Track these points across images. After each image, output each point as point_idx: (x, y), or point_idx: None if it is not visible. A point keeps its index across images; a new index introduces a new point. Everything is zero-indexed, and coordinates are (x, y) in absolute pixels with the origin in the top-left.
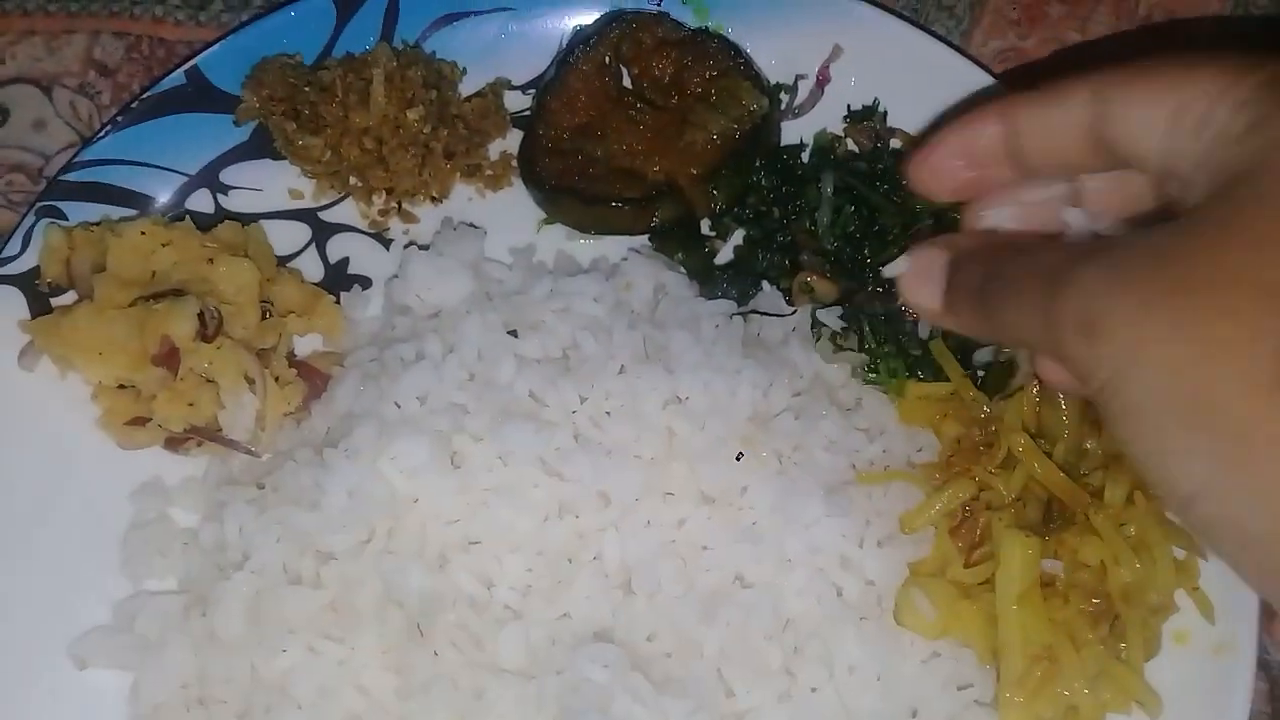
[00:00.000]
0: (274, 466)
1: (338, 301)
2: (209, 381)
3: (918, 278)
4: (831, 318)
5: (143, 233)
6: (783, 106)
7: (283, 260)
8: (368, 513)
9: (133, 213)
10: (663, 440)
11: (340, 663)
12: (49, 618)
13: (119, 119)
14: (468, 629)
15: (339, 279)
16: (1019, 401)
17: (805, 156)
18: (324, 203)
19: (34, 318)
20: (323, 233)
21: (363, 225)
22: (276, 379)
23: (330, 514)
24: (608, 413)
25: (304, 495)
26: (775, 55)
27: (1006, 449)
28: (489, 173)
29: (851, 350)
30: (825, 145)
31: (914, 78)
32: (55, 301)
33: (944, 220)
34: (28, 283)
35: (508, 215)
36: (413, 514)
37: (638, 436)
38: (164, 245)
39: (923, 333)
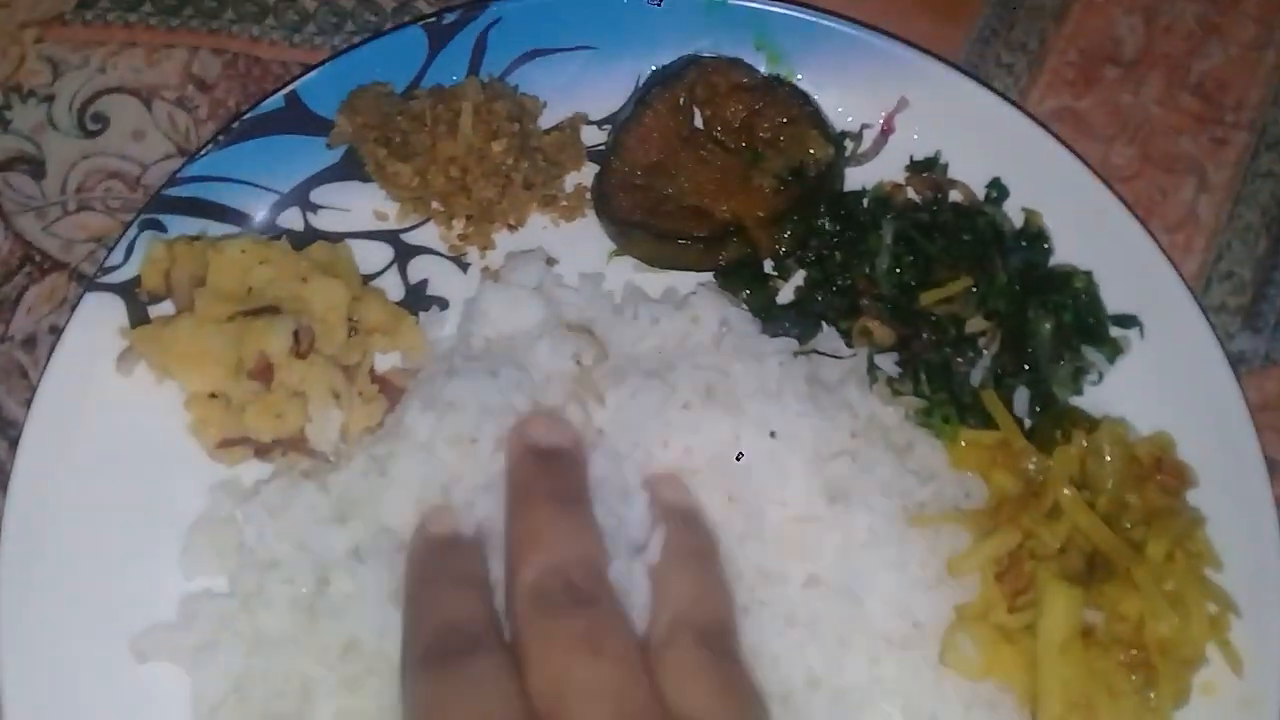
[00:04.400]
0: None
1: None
2: (297, 395)
3: None
4: (887, 362)
5: (243, 250)
6: (847, 154)
7: (367, 278)
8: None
9: (229, 227)
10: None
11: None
12: (122, 606)
13: (219, 138)
14: None
15: (418, 299)
16: (1066, 454)
17: (867, 203)
18: (407, 225)
19: (131, 324)
20: (404, 254)
21: (443, 249)
22: (360, 394)
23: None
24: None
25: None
26: (842, 103)
27: (1053, 500)
28: (564, 203)
29: (907, 394)
30: (885, 195)
31: (974, 132)
32: (152, 311)
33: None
34: (128, 291)
35: (580, 245)
36: None
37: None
38: (261, 263)
39: (975, 381)
